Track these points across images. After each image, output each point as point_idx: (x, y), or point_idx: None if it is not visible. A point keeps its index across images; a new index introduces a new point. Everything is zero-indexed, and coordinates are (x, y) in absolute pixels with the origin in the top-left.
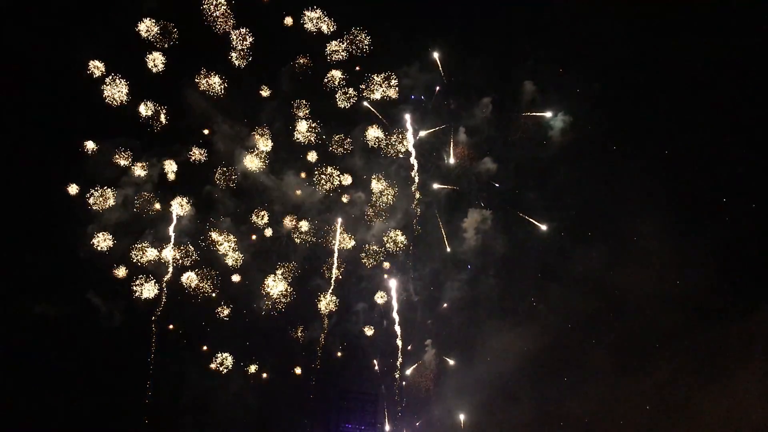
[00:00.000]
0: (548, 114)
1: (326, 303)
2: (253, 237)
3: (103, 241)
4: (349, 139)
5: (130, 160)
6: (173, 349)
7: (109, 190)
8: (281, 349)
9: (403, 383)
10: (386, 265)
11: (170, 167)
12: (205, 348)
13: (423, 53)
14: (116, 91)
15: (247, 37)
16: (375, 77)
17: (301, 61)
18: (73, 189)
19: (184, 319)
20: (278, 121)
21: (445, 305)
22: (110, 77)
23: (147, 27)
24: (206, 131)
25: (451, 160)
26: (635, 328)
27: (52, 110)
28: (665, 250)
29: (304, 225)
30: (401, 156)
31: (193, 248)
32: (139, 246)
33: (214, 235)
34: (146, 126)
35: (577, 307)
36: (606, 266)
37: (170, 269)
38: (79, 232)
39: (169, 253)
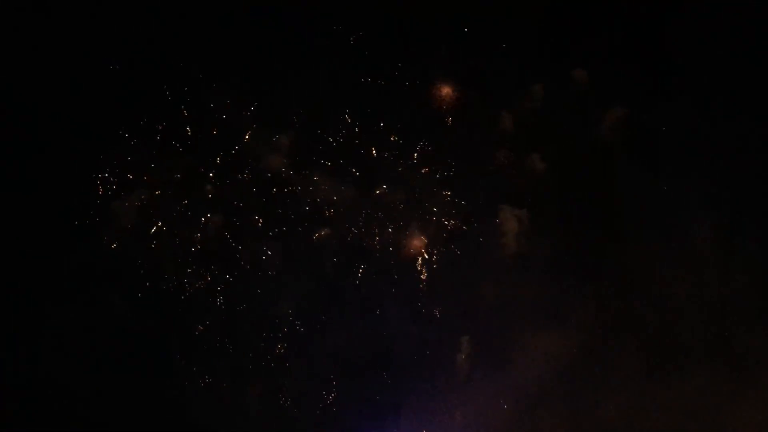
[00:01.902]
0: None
1: None
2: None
3: (123, 241)
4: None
5: (152, 160)
6: (197, 351)
7: (131, 190)
8: (303, 353)
9: (431, 389)
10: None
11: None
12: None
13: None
14: None
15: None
16: None
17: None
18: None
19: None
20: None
21: (480, 306)
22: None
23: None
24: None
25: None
26: (674, 331)
27: (70, 108)
28: (712, 252)
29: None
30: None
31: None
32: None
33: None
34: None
35: (614, 309)
36: (648, 267)
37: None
38: (98, 233)
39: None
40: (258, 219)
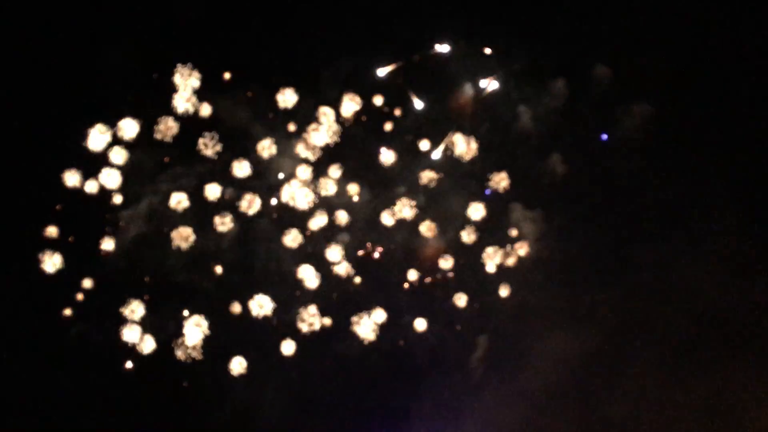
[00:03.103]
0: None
1: None
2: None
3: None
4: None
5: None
6: (212, 356)
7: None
8: (317, 358)
9: (445, 393)
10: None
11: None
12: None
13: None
14: None
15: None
16: None
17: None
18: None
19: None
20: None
21: (495, 310)
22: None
23: None
24: None
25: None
26: (693, 333)
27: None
28: (734, 252)
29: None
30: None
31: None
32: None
33: None
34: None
35: (635, 309)
36: (669, 268)
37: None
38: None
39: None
40: (272, 224)
